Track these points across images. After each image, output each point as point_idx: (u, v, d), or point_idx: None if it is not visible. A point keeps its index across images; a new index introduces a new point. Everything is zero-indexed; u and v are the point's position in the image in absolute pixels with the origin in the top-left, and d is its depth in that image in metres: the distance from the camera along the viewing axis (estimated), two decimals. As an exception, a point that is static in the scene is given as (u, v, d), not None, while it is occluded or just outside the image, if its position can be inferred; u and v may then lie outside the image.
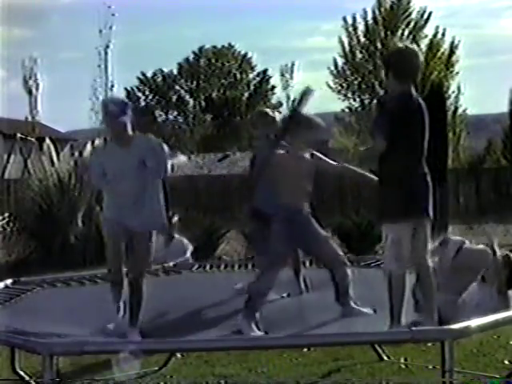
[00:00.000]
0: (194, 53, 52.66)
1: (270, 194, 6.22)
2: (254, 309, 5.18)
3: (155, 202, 5.42)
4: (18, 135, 19.28)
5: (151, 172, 5.33)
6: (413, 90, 4.75)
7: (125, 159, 5.31)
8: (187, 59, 52.67)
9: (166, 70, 53.08)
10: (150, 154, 5.32)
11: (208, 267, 7.60)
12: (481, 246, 5.27)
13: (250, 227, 6.95)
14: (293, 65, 31.87)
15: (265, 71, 52.28)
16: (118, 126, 5.32)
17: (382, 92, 32.15)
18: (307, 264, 7.14)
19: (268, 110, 6.90)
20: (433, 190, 4.85)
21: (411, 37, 33.00)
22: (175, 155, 5.82)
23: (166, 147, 5.48)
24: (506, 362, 6.24)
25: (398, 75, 4.72)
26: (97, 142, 13.40)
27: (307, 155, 5.61)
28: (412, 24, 33.36)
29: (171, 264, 8.94)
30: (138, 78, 52.45)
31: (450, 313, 4.76)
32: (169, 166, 5.43)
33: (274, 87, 49.87)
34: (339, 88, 34.73)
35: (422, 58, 4.85)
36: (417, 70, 4.80)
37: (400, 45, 5.15)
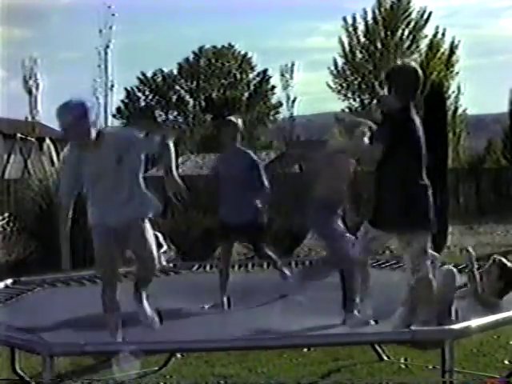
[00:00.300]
0: (194, 53, 52.70)
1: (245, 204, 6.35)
2: (309, 279, 5.80)
3: (142, 194, 5.12)
4: (18, 135, 19.25)
5: (135, 164, 5.01)
6: (412, 106, 4.90)
7: (99, 162, 4.94)
8: (187, 59, 52.69)
9: (166, 69, 53.16)
10: (124, 149, 4.94)
11: (208, 267, 7.60)
12: (444, 269, 5.25)
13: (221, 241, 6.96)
14: (293, 65, 31.85)
15: (265, 71, 52.32)
16: (82, 135, 4.91)
17: (381, 92, 32.16)
18: (307, 263, 7.16)
19: (232, 118, 6.85)
20: (433, 190, 4.89)
21: (411, 37, 33.04)
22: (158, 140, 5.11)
23: (139, 134, 5.08)
24: (506, 362, 6.24)
25: (398, 92, 4.88)
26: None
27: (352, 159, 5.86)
28: (412, 24, 33.38)
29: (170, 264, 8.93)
30: (138, 78, 52.48)
31: None
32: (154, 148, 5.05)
33: (274, 87, 49.92)
34: (339, 88, 34.74)
35: (421, 73, 4.98)
36: (417, 88, 4.95)
37: (400, 62, 5.28)
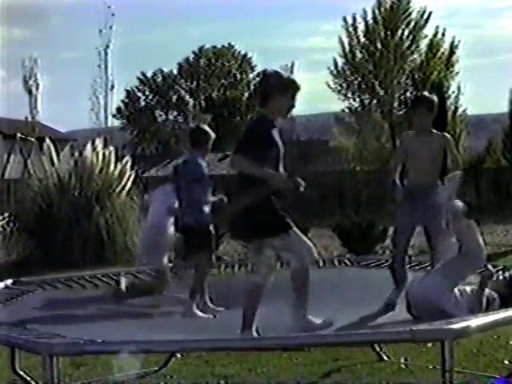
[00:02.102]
0: (194, 53, 52.73)
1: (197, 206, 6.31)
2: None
3: None
4: (18, 135, 19.26)
5: None
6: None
7: None
8: (187, 59, 52.72)
9: (166, 69, 53.19)
10: None
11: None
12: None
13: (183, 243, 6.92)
14: (293, 65, 31.93)
15: (265, 71, 52.32)
16: None
17: (382, 92, 32.18)
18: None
19: (206, 127, 6.93)
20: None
21: (411, 37, 33.02)
22: None
23: None
24: (506, 362, 6.23)
25: None
26: (97, 141, 13.41)
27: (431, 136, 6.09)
28: (412, 24, 33.30)
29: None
30: (138, 78, 52.51)
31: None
32: None
33: (274, 87, 49.88)
34: (339, 88, 34.69)
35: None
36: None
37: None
